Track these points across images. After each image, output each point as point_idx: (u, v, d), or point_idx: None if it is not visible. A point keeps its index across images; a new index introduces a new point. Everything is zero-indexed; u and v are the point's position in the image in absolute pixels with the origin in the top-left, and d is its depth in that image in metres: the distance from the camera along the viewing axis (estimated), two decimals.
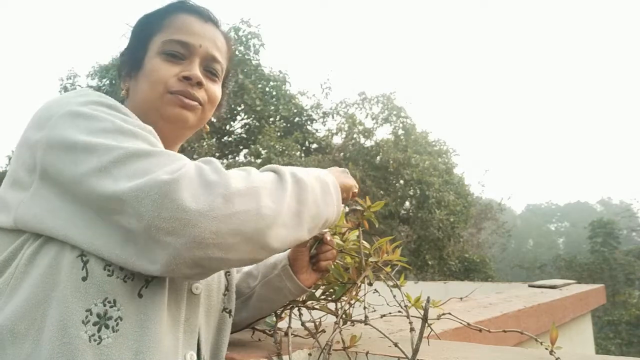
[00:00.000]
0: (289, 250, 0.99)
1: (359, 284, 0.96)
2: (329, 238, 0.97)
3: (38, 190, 0.70)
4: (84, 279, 0.66)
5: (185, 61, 0.87)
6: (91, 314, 0.65)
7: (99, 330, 0.64)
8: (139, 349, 0.66)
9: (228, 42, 0.97)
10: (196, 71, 0.86)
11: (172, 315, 0.73)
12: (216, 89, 0.92)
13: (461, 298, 1.26)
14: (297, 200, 0.75)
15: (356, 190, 0.94)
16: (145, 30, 0.89)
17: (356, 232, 0.99)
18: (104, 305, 0.65)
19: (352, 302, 0.97)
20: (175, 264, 0.64)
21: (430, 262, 9.96)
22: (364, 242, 0.97)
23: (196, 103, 0.87)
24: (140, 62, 0.88)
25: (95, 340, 0.64)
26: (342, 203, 0.90)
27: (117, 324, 0.65)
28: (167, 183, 0.62)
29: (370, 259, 0.95)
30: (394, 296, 0.90)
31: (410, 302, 0.88)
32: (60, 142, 0.69)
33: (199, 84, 0.87)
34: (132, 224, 0.64)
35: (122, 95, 0.91)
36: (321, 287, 1.05)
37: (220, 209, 0.64)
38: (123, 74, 0.92)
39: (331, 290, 1.03)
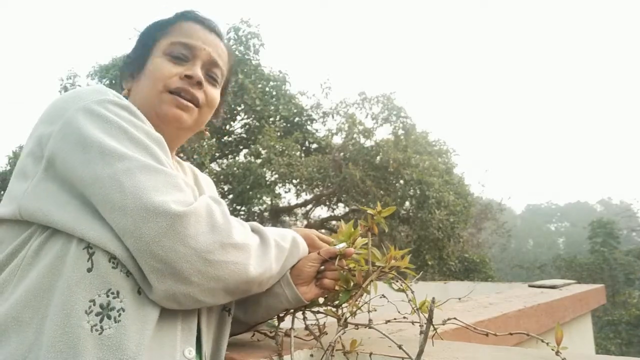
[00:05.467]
0: None
1: (363, 289, 0.95)
2: (344, 261, 0.95)
3: (42, 181, 0.71)
4: (89, 270, 0.67)
5: (188, 63, 0.91)
6: (94, 305, 0.66)
7: (101, 321, 0.65)
8: (140, 341, 0.67)
9: (230, 54, 1.02)
10: (197, 71, 0.90)
11: (169, 313, 0.74)
12: (215, 93, 0.96)
13: (459, 299, 1.28)
14: (277, 264, 0.84)
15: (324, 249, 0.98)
16: (152, 34, 0.94)
17: (365, 241, 0.98)
18: (107, 296, 0.67)
19: (355, 310, 0.95)
20: (156, 290, 0.68)
21: (430, 262, 9.94)
22: (373, 249, 0.97)
23: (192, 104, 0.90)
24: (143, 63, 0.91)
25: (97, 330, 0.65)
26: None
27: (120, 315, 0.67)
28: (177, 215, 0.65)
29: (377, 263, 0.94)
30: (409, 300, 0.90)
31: (416, 305, 0.88)
32: (73, 138, 0.70)
33: (199, 84, 0.90)
34: (127, 241, 0.67)
35: (124, 95, 0.92)
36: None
37: (215, 254, 0.69)
38: (126, 75, 0.95)
39: (336, 295, 1.02)
